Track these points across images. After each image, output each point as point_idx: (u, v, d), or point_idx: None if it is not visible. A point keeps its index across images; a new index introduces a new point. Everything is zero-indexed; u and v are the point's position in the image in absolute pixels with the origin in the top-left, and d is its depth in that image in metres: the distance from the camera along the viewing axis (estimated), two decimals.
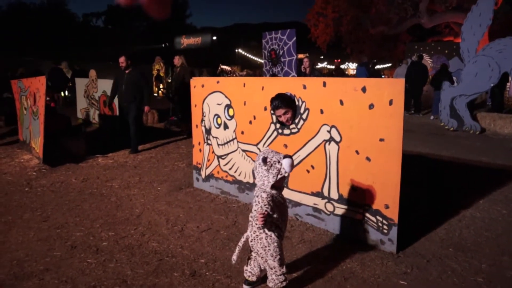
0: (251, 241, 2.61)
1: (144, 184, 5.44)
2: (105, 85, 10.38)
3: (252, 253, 2.68)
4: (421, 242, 3.52)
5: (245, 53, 35.42)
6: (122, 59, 7.41)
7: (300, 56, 12.23)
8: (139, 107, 7.60)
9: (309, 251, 3.37)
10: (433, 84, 12.34)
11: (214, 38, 32.89)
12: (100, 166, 6.45)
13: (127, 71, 7.48)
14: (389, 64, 30.87)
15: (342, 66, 37.25)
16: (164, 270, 3.09)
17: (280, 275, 2.64)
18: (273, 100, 3.77)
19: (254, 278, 2.75)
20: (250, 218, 2.61)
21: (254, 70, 23.93)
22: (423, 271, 3.01)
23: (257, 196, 2.51)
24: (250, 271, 2.73)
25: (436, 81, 11.85)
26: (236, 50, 35.49)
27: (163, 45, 35.43)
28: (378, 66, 29.34)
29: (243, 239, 2.64)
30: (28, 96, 7.09)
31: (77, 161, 6.68)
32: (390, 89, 3.03)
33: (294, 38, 10.88)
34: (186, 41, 33.87)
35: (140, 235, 3.77)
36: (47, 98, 6.46)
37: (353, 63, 35.87)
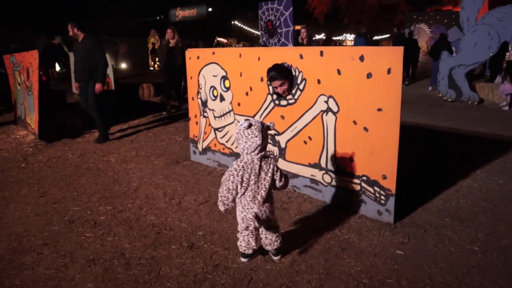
0: (257, 215, 2.58)
1: (141, 158, 5.42)
2: None
3: (250, 228, 2.66)
4: (418, 212, 3.52)
5: (242, 25, 34.86)
6: (69, 27, 6.15)
7: (298, 27, 12.04)
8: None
9: (307, 223, 3.38)
10: (432, 55, 12.20)
11: (210, 9, 32.31)
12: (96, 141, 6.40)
13: (79, 40, 6.20)
14: (388, 35, 30.48)
15: (339, 37, 36.69)
16: (162, 243, 3.09)
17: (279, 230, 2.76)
18: (269, 71, 3.70)
19: (250, 251, 2.75)
20: (251, 193, 2.56)
21: (252, 43, 23.61)
22: (420, 240, 3.02)
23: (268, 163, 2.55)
24: (246, 245, 2.73)
25: (435, 51, 11.70)
26: (232, 22, 34.92)
27: (157, 18, 34.84)
28: (376, 37, 28.98)
29: (253, 223, 2.61)
30: (21, 71, 6.98)
31: (74, 136, 6.64)
32: (389, 57, 2.97)
33: (291, 8, 10.70)
34: (181, 13, 33.29)
35: (138, 208, 3.77)
36: (40, 72, 6.36)
37: (350, 34, 35.37)
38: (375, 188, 3.26)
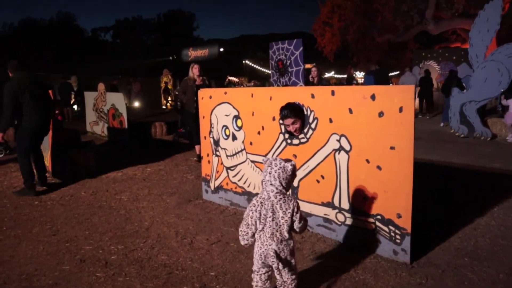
0: (277, 253, 2.55)
1: (153, 197, 5.42)
2: (114, 98, 10.47)
3: (267, 267, 2.62)
4: (435, 251, 3.44)
5: (252, 64, 35.56)
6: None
7: (307, 66, 12.23)
8: (17, 128, 5.63)
9: (321, 262, 3.31)
10: (443, 91, 12.26)
11: (221, 49, 33.07)
12: (110, 179, 6.45)
13: None
14: (397, 72, 30.78)
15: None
16: (173, 284, 3.05)
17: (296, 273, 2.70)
18: (282, 109, 3.74)
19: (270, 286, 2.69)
20: (270, 229, 2.54)
21: (262, 81, 24.00)
22: (439, 281, 2.94)
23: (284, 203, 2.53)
24: (262, 285, 2.68)
25: (446, 88, 11.77)
26: (243, 61, 35.66)
27: (170, 58, 35.73)
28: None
29: (272, 259, 2.57)
30: None
31: (87, 174, 6.69)
32: (400, 96, 2.99)
33: (301, 48, 10.88)
34: (193, 53, 34.10)
35: (150, 248, 3.74)
36: (56, 111, 6.49)
37: (360, 71, 35.78)
38: (390, 227, 3.21)
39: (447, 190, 5.38)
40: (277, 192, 2.52)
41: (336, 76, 40.20)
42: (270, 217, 2.52)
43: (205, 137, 5.00)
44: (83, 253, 3.67)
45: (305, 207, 3.88)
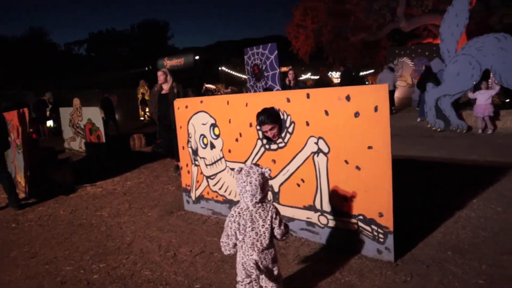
0: (257, 264, 2.51)
1: (134, 211, 5.33)
2: (90, 113, 10.29)
3: (252, 276, 2.58)
4: (419, 247, 3.46)
5: (229, 70, 35.53)
6: None
7: (284, 69, 12.28)
8: None
9: (306, 266, 3.29)
10: (419, 87, 12.42)
11: (197, 57, 32.97)
12: (89, 196, 6.32)
13: None
14: (372, 70, 31.18)
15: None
16: None
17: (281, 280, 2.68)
18: (259, 115, 3.71)
19: None
20: (250, 239, 2.50)
21: (239, 87, 23.99)
22: (424, 277, 2.95)
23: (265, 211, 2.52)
24: None
25: (421, 83, 11.93)
26: (220, 68, 35.61)
27: (146, 68, 35.48)
28: (362, 73, 29.62)
29: (254, 271, 2.53)
30: (11, 129, 6.96)
31: (65, 192, 6.55)
32: (374, 96, 3.00)
33: (276, 52, 10.92)
34: (169, 63, 33.93)
35: (132, 264, 3.66)
36: (30, 130, 6.35)
37: (336, 72, 36.11)
38: (373, 226, 3.21)
39: (427, 185, 5.43)
40: (256, 202, 2.48)
41: (312, 77, 40.46)
42: (249, 227, 2.49)
43: (183, 147, 4.94)
44: (63, 274, 3.58)
45: (287, 211, 3.86)
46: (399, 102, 17.31)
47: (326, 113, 3.32)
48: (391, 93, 15.21)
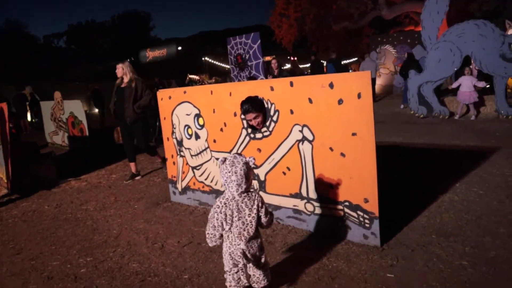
0: (244, 253, 2.52)
1: (120, 204, 5.29)
2: (72, 106, 10.14)
3: (239, 265, 2.60)
4: (404, 232, 3.51)
5: (212, 61, 35.28)
6: None
7: (267, 58, 12.25)
8: None
9: (294, 254, 3.32)
10: (401, 74, 12.54)
11: (180, 48, 32.65)
12: (74, 190, 6.25)
13: None
14: (355, 59, 31.27)
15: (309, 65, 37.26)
16: None
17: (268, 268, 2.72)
18: (243, 104, 3.70)
19: (247, 283, 2.66)
20: (237, 229, 2.51)
21: (223, 77, 23.88)
22: (409, 261, 3.00)
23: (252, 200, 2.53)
24: (236, 284, 2.65)
25: (404, 71, 12.04)
26: (203, 58, 35.34)
27: (128, 60, 35.04)
28: (345, 61, 29.67)
29: (241, 260, 2.54)
30: None
31: (49, 186, 6.47)
32: (357, 83, 3.02)
33: (259, 41, 10.90)
34: (151, 54, 33.54)
35: (120, 257, 3.65)
36: (10, 125, 6.23)
37: (321, 60, 36.04)
38: (359, 212, 3.24)
39: (411, 170, 5.52)
40: (242, 192, 2.49)
41: (301, 66, 40.36)
42: (236, 217, 2.49)
43: (168, 139, 4.91)
44: (50, 269, 3.54)
45: (273, 200, 3.88)
46: (382, 90, 17.47)
47: (310, 101, 3.33)
48: (373, 81, 15.38)
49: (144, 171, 6.99)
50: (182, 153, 4.77)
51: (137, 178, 6.56)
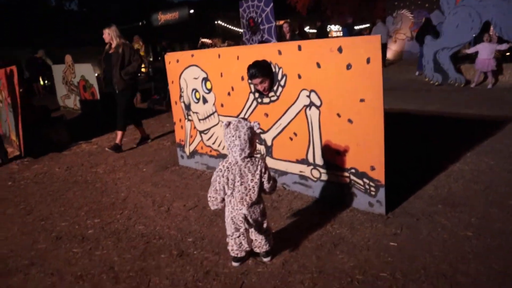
0: (246, 218, 2.53)
1: (129, 167, 5.34)
2: (83, 70, 10.12)
3: (241, 230, 2.61)
4: (410, 201, 3.48)
5: (225, 24, 34.62)
6: None
7: (280, 22, 11.97)
8: None
9: (298, 220, 3.32)
10: (417, 39, 12.17)
11: (192, 11, 32.02)
12: (84, 153, 6.31)
13: None
14: (368, 25, 30.44)
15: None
16: (151, 253, 3.03)
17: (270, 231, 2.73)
18: (249, 68, 3.62)
19: (243, 254, 2.69)
20: (239, 194, 2.51)
21: (236, 41, 23.51)
22: (413, 230, 2.98)
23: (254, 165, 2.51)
24: (237, 248, 2.67)
25: (420, 36, 11.67)
26: (216, 22, 34.71)
27: (140, 24, 34.57)
28: (358, 27, 28.89)
29: (243, 225, 2.55)
30: (1, 88, 6.85)
31: (60, 149, 6.53)
32: (367, 47, 2.91)
33: (272, 4, 10.63)
34: (163, 17, 33.02)
35: (126, 219, 3.70)
36: (20, 89, 6.25)
37: (335, 25, 35.22)
38: (365, 180, 3.21)
39: (422, 138, 5.43)
40: (245, 156, 2.46)
41: (311, 31, 39.46)
42: (238, 181, 2.48)
43: (176, 102, 4.88)
44: (59, 230, 3.61)
45: (280, 165, 3.86)
46: (397, 56, 17.06)
47: (318, 65, 3.24)
48: (384, 46, 15.08)
49: (154, 135, 7.00)
50: (189, 117, 4.74)
51: (148, 141, 6.60)
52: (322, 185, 3.56)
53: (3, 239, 3.52)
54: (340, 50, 3.06)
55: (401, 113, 7.01)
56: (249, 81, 3.76)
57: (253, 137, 2.48)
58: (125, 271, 2.82)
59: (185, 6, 32.74)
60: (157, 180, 4.68)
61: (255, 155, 2.55)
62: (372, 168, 3.13)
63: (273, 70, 3.61)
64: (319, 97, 3.32)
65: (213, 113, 4.39)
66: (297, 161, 3.70)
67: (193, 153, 4.87)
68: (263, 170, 2.51)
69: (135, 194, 4.30)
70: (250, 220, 2.55)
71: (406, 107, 7.43)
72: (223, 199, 2.57)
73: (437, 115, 6.76)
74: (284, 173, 3.85)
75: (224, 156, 4.43)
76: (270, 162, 3.93)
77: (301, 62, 3.37)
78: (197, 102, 4.55)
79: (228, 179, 2.49)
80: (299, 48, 3.36)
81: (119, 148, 6.14)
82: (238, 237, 2.62)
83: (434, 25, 11.99)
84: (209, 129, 4.51)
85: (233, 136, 2.43)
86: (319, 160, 3.50)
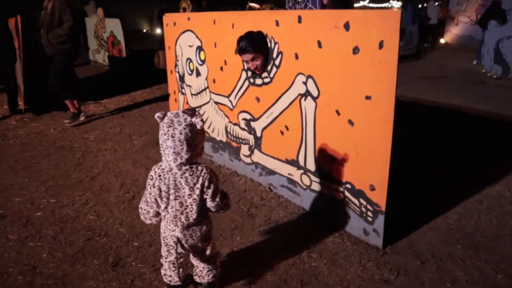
0: (180, 242, 1.90)
1: (122, 137, 4.86)
2: (113, 25, 9.65)
3: (174, 255, 1.97)
4: (422, 231, 2.66)
5: None
6: None
7: None
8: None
9: (271, 237, 2.64)
10: (481, 24, 10.74)
11: None
12: (87, 115, 5.85)
13: None
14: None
15: (384, 5, 34.11)
16: (85, 255, 2.50)
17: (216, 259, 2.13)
18: (240, 40, 2.90)
19: (178, 282, 2.05)
20: (172, 211, 1.86)
21: (285, 8, 22.38)
22: (412, 279, 2.20)
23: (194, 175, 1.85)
24: (169, 276, 2.05)
25: (484, 20, 10.26)
26: None
27: None
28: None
29: (174, 251, 1.92)
30: (15, 36, 6.48)
31: (65, 108, 6.12)
32: (381, 27, 2.10)
33: None
34: None
35: (83, 203, 3.19)
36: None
37: (398, 0, 32.96)
38: (361, 200, 2.46)
39: (457, 146, 4.42)
40: (181, 163, 1.79)
41: (371, 5, 37.00)
42: (172, 195, 1.82)
43: (171, 71, 4.24)
44: (8, 207, 3.20)
45: (268, 162, 3.17)
46: (459, 40, 15.46)
47: (319, 44, 2.47)
48: (430, 27, 14.42)
49: (165, 103, 6.44)
50: (183, 90, 4.10)
51: (82, 118, 5.47)
52: (312, 196, 2.84)
53: None
54: (347, 27, 2.27)
55: (444, 107, 5.98)
56: (239, 55, 3.01)
57: (195, 138, 1.80)
58: (44, 276, 2.32)
59: None
60: (139, 157, 4.14)
61: (197, 162, 1.87)
62: (372, 188, 2.37)
63: (269, 45, 2.87)
64: (316, 86, 2.56)
65: (205, 89, 3.72)
66: (287, 161, 2.99)
67: None
68: (206, 183, 1.83)
69: (108, 173, 3.78)
70: (186, 245, 1.91)
71: (453, 102, 6.38)
72: (157, 213, 1.94)
73: (487, 116, 5.67)
74: (272, 172, 3.16)
75: (212, 140, 3.79)
76: (258, 156, 3.25)
77: (300, 38, 2.60)
78: (191, 74, 3.88)
79: (160, 190, 1.84)
80: (299, 19, 2.58)
81: (76, 116, 5.39)
82: (173, 262, 1.99)
83: (504, 9, 10.50)
84: (200, 106, 3.85)
85: (165, 135, 1.76)
86: (311, 165, 2.78)
